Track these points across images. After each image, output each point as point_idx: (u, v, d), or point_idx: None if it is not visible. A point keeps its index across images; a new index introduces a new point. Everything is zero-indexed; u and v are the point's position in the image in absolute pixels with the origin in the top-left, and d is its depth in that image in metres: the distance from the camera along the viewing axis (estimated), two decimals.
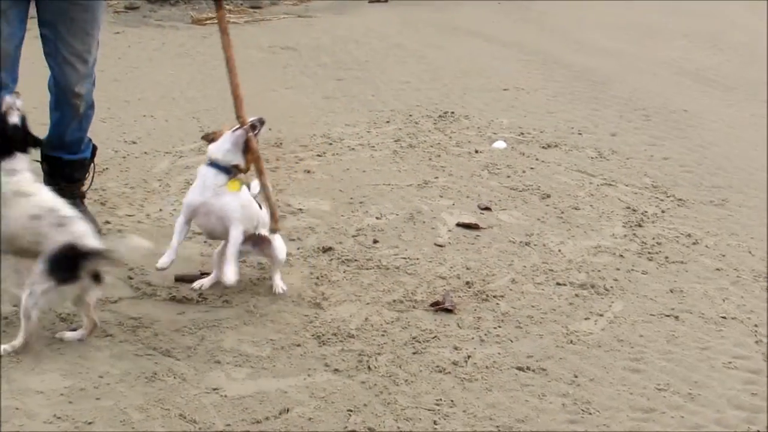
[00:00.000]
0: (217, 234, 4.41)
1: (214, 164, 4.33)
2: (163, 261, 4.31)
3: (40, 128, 4.68)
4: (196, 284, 4.55)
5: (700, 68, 9.67)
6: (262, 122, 4.45)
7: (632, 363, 4.14)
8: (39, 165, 4.95)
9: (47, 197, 4.06)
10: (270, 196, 4.40)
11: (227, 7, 11.33)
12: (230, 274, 4.24)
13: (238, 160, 4.33)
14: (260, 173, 4.38)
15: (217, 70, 8.48)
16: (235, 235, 4.29)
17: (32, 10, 4.86)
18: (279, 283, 4.54)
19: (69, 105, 4.98)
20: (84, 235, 3.92)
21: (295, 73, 8.64)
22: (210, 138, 4.45)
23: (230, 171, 4.33)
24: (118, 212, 5.42)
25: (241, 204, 4.35)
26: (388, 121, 7.23)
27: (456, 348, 4.16)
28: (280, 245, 4.55)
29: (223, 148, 4.34)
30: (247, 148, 4.34)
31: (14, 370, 3.76)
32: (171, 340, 4.09)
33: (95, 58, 5.00)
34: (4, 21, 4.76)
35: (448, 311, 4.46)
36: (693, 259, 5.21)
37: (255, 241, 4.54)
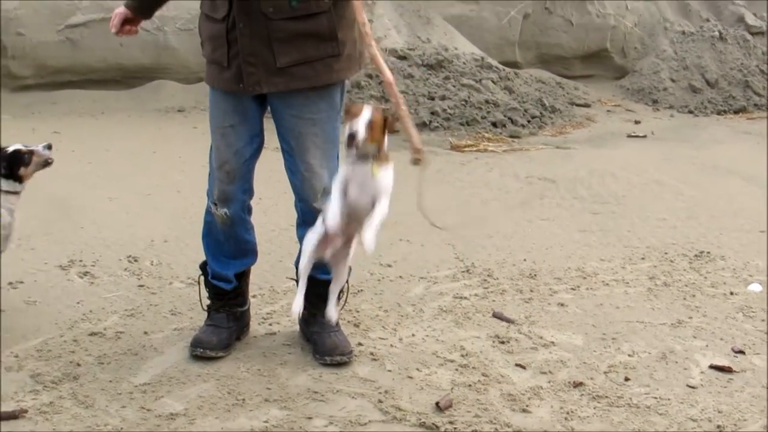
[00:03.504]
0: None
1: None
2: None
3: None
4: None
5: None
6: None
7: None
8: None
9: None
10: (407, 119, 4.49)
11: (486, 135, 11.67)
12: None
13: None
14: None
15: (474, 197, 8.68)
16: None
17: None
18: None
19: (312, 221, 5.04)
20: None
21: (551, 205, 8.72)
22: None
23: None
24: (370, 335, 5.56)
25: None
26: (643, 258, 7.20)
27: None
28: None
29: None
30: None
31: None
32: None
33: (332, 173, 4.98)
34: (234, 137, 4.99)
35: None
36: None
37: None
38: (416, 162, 4.51)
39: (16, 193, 5.40)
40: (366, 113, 4.48)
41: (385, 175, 4.65)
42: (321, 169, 4.97)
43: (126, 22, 5.12)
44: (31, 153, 5.43)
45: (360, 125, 4.46)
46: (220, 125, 5.02)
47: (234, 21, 4.75)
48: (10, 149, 5.43)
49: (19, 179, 5.40)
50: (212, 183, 5.16)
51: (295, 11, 4.69)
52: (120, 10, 5.11)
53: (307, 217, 5.09)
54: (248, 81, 4.80)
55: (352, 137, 4.45)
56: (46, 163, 5.49)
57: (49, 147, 5.50)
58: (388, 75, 4.47)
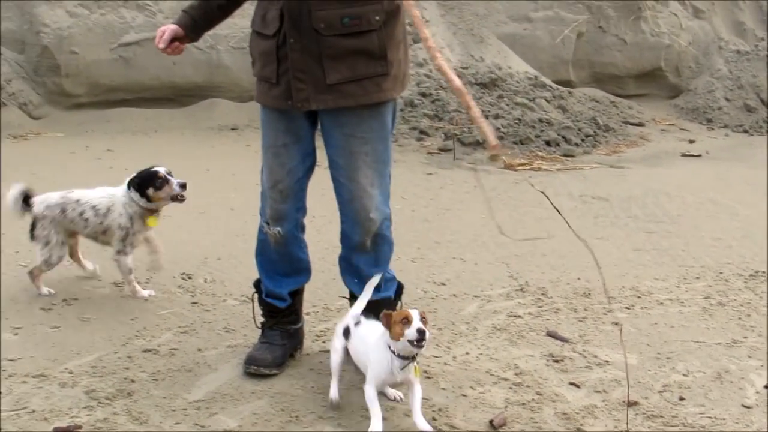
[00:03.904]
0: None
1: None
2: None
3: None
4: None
5: None
6: None
7: None
8: None
9: None
10: (480, 119, 4.35)
11: (540, 154, 11.64)
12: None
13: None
14: (468, 107, 4.35)
15: (528, 216, 8.66)
16: None
17: None
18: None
19: (351, 246, 5.09)
20: None
21: (605, 224, 8.68)
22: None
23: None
24: (424, 353, 5.55)
25: None
26: (698, 277, 7.15)
27: None
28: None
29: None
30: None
31: None
32: None
33: (384, 193, 5.02)
34: (286, 156, 4.98)
35: None
36: None
37: None
38: (494, 159, 4.47)
39: (140, 207, 6.17)
40: (416, 314, 4.35)
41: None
42: (372, 188, 4.95)
43: (174, 39, 5.15)
44: (165, 181, 6.14)
45: (423, 324, 4.33)
46: (272, 144, 5.02)
47: (285, 37, 4.76)
48: (153, 169, 6.19)
49: (148, 198, 6.16)
50: (265, 202, 5.16)
51: (347, 28, 4.70)
52: (170, 26, 5.10)
53: (347, 241, 5.12)
54: (297, 97, 4.80)
55: (422, 334, 4.31)
56: (176, 198, 6.19)
57: (182, 186, 6.18)
58: (457, 82, 4.43)
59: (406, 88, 5.16)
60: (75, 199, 6.20)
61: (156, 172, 6.15)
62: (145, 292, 6.30)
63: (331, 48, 4.71)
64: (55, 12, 12.79)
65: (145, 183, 6.12)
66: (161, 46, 5.08)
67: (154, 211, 6.24)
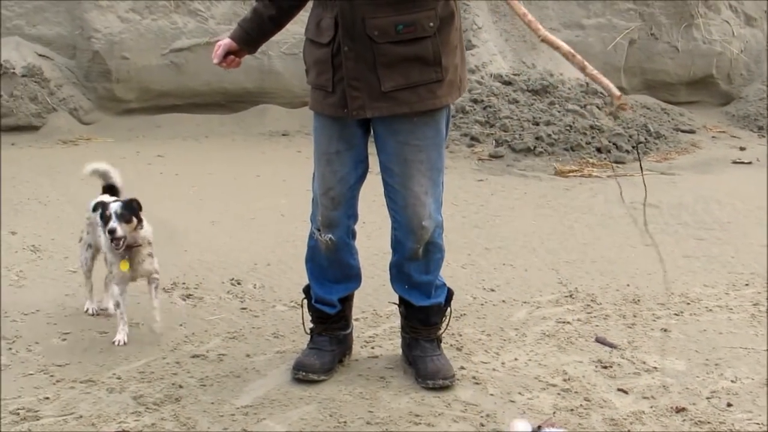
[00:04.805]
0: None
1: None
2: None
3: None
4: None
5: None
6: None
7: None
8: None
9: None
10: (599, 75, 4.41)
11: (590, 161, 11.60)
12: None
13: None
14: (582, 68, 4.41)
15: (578, 222, 8.64)
16: None
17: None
18: None
19: (404, 253, 5.11)
20: None
21: (655, 231, 8.64)
22: None
23: None
24: (473, 359, 5.56)
25: None
26: (747, 284, 7.11)
27: None
28: None
29: None
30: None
31: None
32: None
33: (437, 201, 5.04)
34: (339, 163, 5.01)
35: None
36: None
37: None
38: (621, 108, 4.47)
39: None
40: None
41: None
42: (426, 196, 4.97)
43: (229, 53, 5.20)
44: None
45: None
46: (325, 151, 5.05)
47: (339, 45, 4.79)
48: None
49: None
50: (316, 209, 5.19)
51: (401, 35, 4.72)
52: (225, 41, 5.17)
53: (399, 248, 5.14)
54: (352, 105, 4.82)
55: None
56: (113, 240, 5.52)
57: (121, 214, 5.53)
58: (566, 47, 4.45)
59: (463, 94, 5.18)
60: None
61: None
62: (119, 337, 5.66)
63: (386, 55, 4.74)
64: (107, 17, 12.89)
65: (140, 209, 5.64)
66: (215, 61, 5.15)
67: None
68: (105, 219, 5.47)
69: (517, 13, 4.58)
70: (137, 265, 5.65)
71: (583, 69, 4.41)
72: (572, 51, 4.42)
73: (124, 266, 5.59)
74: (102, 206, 5.56)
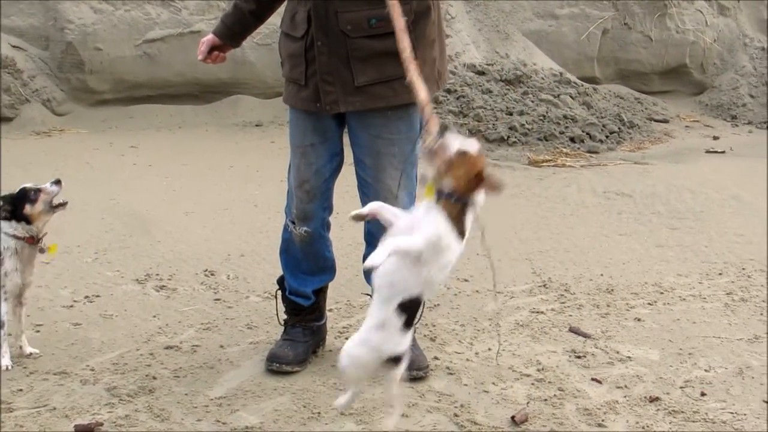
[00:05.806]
0: None
1: None
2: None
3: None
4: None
5: None
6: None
7: None
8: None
9: None
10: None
11: (564, 150, 11.63)
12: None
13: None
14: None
15: (552, 212, 8.65)
16: None
17: None
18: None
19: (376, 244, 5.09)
20: None
21: (629, 220, 8.66)
22: None
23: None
24: (446, 349, 5.55)
25: None
26: (720, 273, 7.13)
27: None
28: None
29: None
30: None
31: None
32: None
33: (410, 195, 4.98)
34: (314, 156, 5.00)
35: None
36: None
37: None
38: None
39: (20, 238, 5.10)
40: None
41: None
42: (398, 189, 4.95)
43: (213, 48, 5.19)
44: (38, 190, 5.11)
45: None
46: (300, 144, 5.04)
47: (313, 39, 4.77)
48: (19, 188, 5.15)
49: (27, 220, 5.10)
50: (291, 201, 5.18)
51: (374, 29, 4.69)
52: (208, 37, 5.19)
53: (371, 239, 5.06)
54: (325, 100, 4.81)
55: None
56: (60, 204, 5.16)
57: (57, 182, 5.17)
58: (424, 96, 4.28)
59: (442, 88, 5.15)
60: None
61: (23, 187, 5.12)
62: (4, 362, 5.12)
63: (359, 50, 4.72)
64: (80, 8, 12.83)
65: (19, 202, 5.08)
66: (200, 58, 5.19)
67: (36, 239, 5.16)
68: (36, 191, 5.10)
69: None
70: None
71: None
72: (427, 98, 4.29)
73: (54, 249, 5.29)
74: (27, 191, 5.13)
